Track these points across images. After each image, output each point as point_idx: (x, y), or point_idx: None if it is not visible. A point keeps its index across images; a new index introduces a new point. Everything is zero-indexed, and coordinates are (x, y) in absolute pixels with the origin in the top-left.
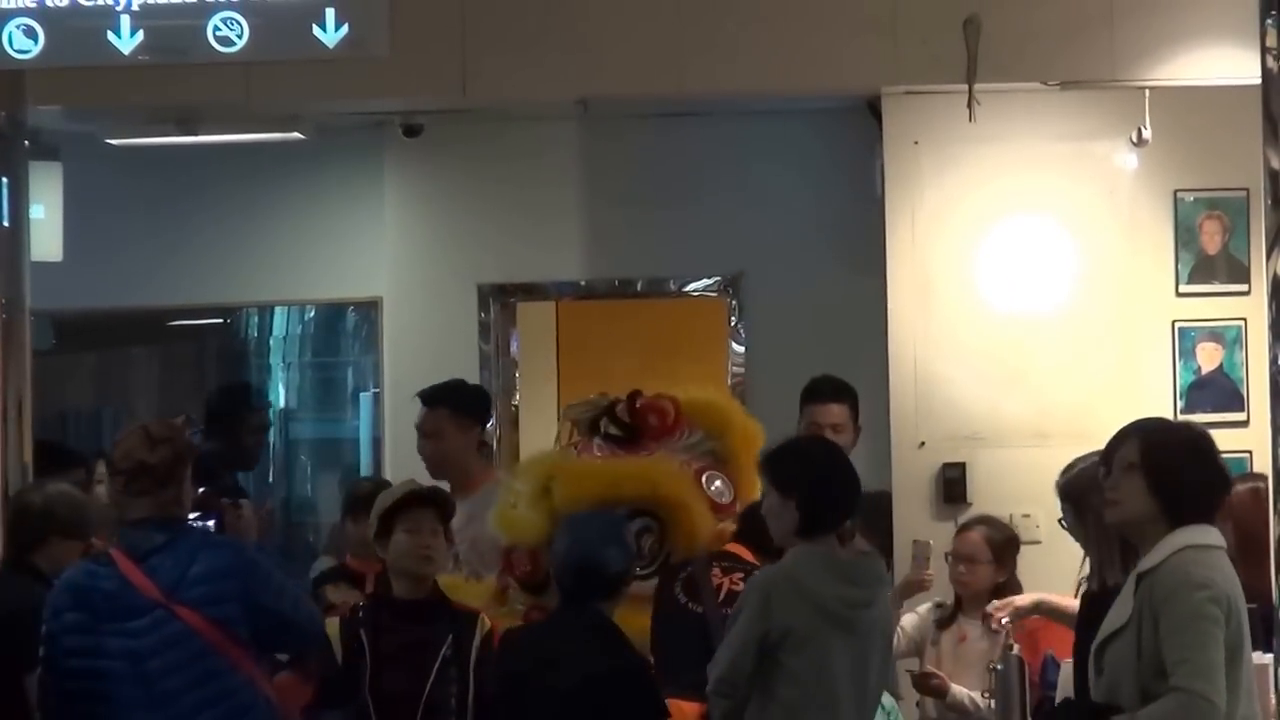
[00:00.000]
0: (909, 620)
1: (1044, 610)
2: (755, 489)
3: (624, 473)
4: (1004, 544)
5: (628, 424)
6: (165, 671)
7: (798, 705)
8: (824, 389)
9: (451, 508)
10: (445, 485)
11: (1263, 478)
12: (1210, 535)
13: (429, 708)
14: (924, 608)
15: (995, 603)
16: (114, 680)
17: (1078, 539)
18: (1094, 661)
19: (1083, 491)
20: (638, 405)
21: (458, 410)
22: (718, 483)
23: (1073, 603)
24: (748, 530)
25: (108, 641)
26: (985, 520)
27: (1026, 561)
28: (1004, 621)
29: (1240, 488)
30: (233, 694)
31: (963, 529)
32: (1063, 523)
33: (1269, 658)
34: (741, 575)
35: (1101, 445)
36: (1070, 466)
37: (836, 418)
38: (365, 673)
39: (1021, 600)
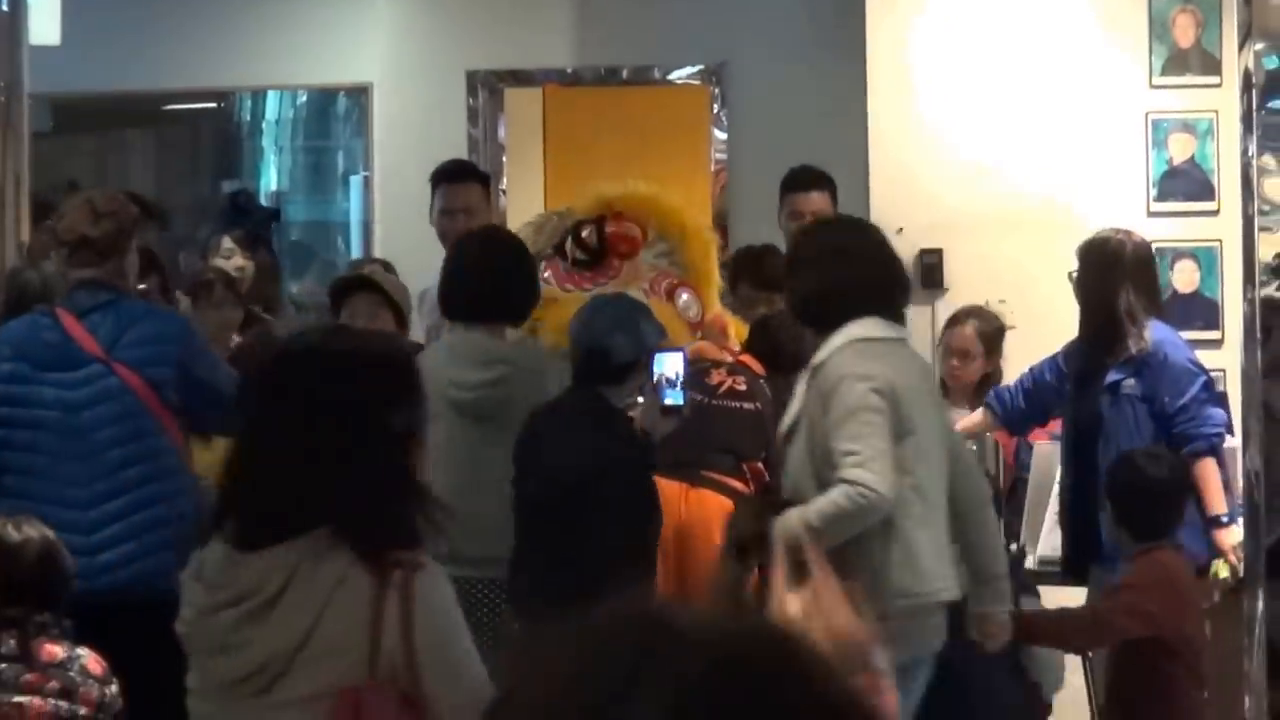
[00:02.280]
0: None
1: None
2: (715, 299)
3: None
4: (994, 335)
5: (594, 248)
6: (97, 424)
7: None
8: (803, 178)
9: (398, 292)
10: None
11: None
12: (878, 328)
13: None
14: None
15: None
16: (46, 429)
17: None
18: (780, 458)
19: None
20: (607, 232)
21: (485, 186)
22: (685, 295)
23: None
24: (758, 343)
25: (43, 391)
26: (975, 313)
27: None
28: None
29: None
30: (159, 455)
31: (953, 323)
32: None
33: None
34: (744, 378)
35: (1075, 234)
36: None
37: (817, 205)
38: None
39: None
